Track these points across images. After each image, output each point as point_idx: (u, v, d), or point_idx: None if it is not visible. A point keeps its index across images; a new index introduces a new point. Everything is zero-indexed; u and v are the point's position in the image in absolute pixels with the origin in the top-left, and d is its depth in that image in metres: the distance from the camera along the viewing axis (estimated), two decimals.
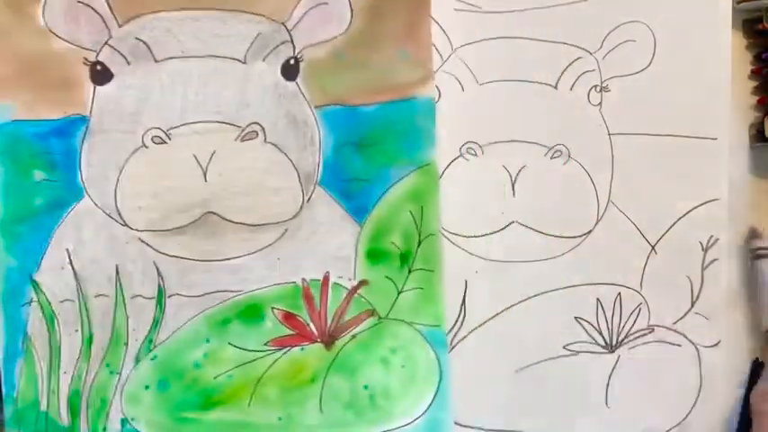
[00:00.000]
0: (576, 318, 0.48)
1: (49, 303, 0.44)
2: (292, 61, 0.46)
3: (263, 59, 0.45)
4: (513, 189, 0.47)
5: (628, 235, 0.48)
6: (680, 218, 0.49)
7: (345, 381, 0.46)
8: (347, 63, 0.46)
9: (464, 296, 0.47)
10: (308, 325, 0.46)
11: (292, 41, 0.45)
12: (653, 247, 0.49)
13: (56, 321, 0.44)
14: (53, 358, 0.44)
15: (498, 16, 0.47)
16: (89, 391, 0.44)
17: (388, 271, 0.46)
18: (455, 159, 0.47)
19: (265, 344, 0.45)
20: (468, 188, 0.47)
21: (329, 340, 0.46)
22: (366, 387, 0.46)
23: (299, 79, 0.46)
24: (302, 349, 0.46)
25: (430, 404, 0.47)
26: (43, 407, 0.44)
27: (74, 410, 0.44)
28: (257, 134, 0.45)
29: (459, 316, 0.47)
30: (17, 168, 0.44)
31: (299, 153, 0.46)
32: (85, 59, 0.44)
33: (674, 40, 0.48)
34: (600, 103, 0.48)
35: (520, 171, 0.47)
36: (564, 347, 0.48)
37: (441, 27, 0.47)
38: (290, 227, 0.46)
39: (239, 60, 0.45)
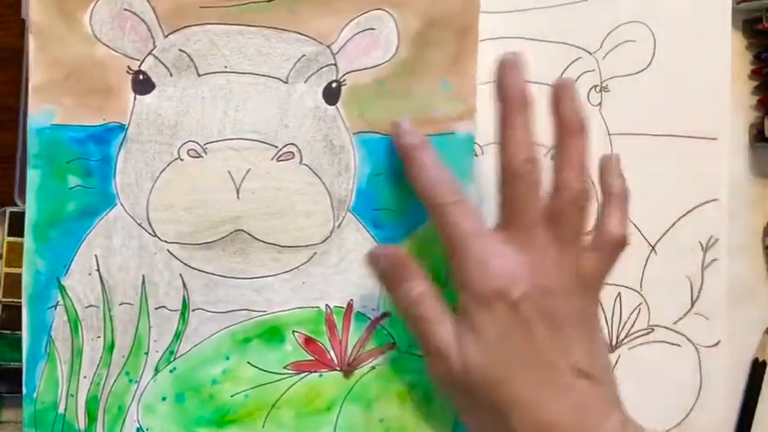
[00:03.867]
0: None
1: (74, 308, 0.44)
2: (334, 85, 0.45)
3: (305, 81, 0.45)
4: None
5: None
6: (680, 218, 0.48)
7: (361, 411, 0.46)
8: (389, 91, 0.45)
9: None
10: (328, 352, 0.46)
11: (336, 65, 0.45)
12: (653, 248, 0.48)
13: (80, 326, 0.44)
14: (74, 362, 0.44)
15: (498, 16, 0.47)
16: (107, 398, 0.44)
17: None
18: None
19: (284, 367, 0.45)
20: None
21: (348, 369, 0.46)
22: (382, 420, 0.46)
23: (339, 104, 0.45)
24: (320, 376, 0.46)
25: None
26: (61, 410, 0.44)
27: (91, 415, 0.44)
28: (293, 155, 0.45)
29: None
30: (53, 173, 0.43)
31: (334, 178, 0.45)
32: (129, 68, 0.44)
33: (674, 40, 0.48)
34: (600, 104, 0.48)
35: None
36: None
37: None
38: (318, 251, 0.45)
39: (281, 80, 0.45)
